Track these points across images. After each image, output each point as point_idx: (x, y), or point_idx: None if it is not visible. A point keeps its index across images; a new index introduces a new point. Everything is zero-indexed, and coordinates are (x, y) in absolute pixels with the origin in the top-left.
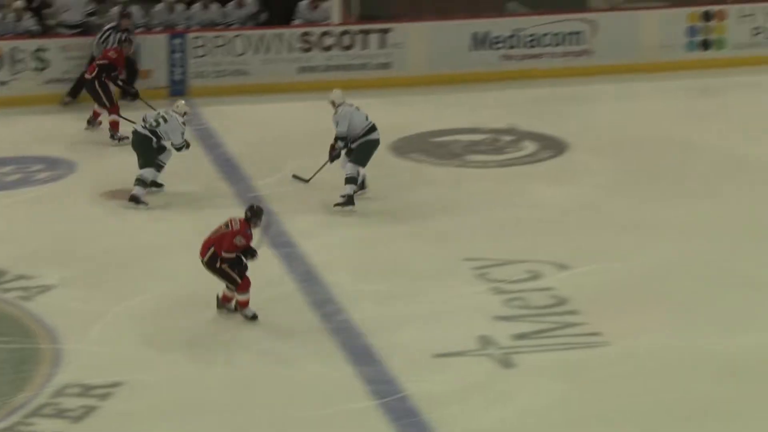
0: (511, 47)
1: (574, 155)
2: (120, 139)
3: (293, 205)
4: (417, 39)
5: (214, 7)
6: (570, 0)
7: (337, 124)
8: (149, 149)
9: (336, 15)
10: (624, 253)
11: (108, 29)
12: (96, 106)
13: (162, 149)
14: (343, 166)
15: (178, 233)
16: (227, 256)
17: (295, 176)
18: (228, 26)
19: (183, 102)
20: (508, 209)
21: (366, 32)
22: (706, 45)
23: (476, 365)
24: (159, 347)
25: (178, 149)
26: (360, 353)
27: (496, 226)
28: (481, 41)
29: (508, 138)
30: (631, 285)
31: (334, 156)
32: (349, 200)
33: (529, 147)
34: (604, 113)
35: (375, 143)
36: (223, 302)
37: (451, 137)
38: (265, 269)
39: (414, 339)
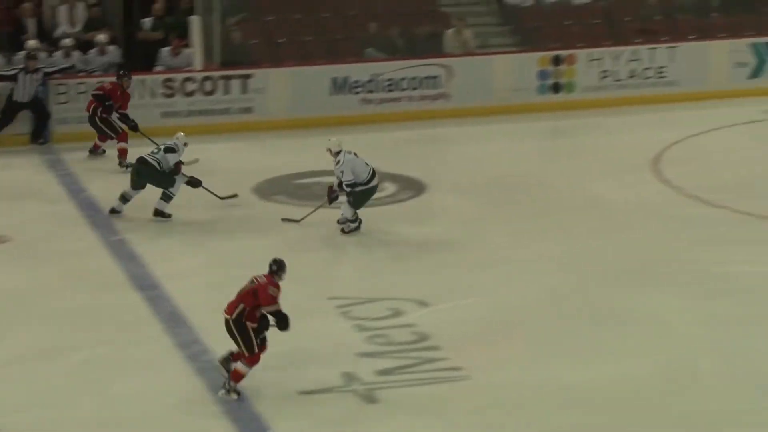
0: (370, 91)
1: (432, 195)
2: (127, 166)
3: (157, 247)
4: (278, 84)
5: (76, 54)
6: (426, 46)
7: (342, 173)
8: (161, 173)
9: (198, 61)
10: (482, 290)
11: (17, 70)
12: (96, 139)
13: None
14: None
15: (42, 279)
16: (269, 309)
17: (284, 219)
18: (90, 73)
19: (182, 134)
20: (369, 248)
21: (228, 78)
22: (556, 88)
23: (341, 401)
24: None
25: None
26: None
27: (359, 265)
28: (340, 86)
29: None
30: (490, 320)
31: (332, 198)
32: (357, 227)
33: (390, 188)
34: (460, 154)
35: (374, 190)
36: (232, 359)
37: (313, 179)
38: (130, 311)
39: (280, 377)
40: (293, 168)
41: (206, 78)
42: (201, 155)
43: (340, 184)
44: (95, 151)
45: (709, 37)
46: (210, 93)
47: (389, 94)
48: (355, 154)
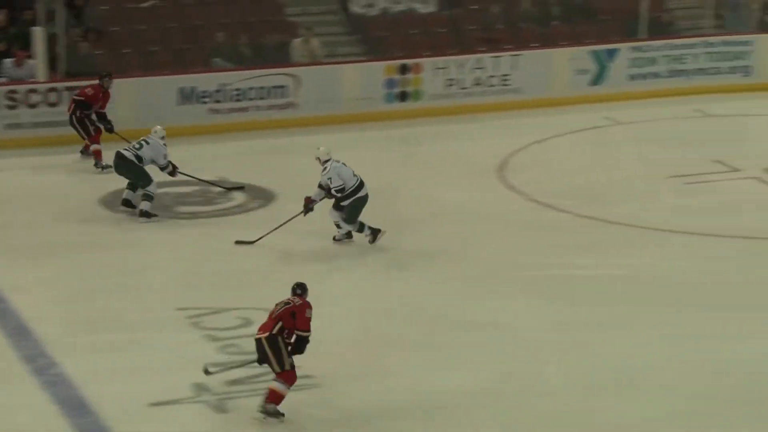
0: (218, 101)
1: (282, 204)
2: (104, 167)
3: (2, 261)
4: (123, 94)
5: None
6: (273, 55)
7: (330, 180)
8: (140, 169)
9: (42, 72)
10: (333, 298)
11: None
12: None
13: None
14: (331, 214)
15: None
16: (303, 333)
17: (238, 242)
18: None
19: (160, 127)
20: (219, 258)
21: (72, 89)
22: (403, 97)
23: (191, 412)
24: None
25: (163, 169)
26: (73, 405)
27: (208, 275)
28: (187, 96)
29: (217, 189)
30: (342, 329)
31: (308, 209)
32: (347, 236)
33: (238, 198)
34: (309, 164)
35: (364, 199)
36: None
37: (160, 190)
38: None
39: (128, 389)
40: None
41: (51, 89)
42: (43, 167)
43: (329, 191)
44: (86, 152)
45: (550, 45)
46: (54, 105)
47: (237, 104)
48: (343, 164)
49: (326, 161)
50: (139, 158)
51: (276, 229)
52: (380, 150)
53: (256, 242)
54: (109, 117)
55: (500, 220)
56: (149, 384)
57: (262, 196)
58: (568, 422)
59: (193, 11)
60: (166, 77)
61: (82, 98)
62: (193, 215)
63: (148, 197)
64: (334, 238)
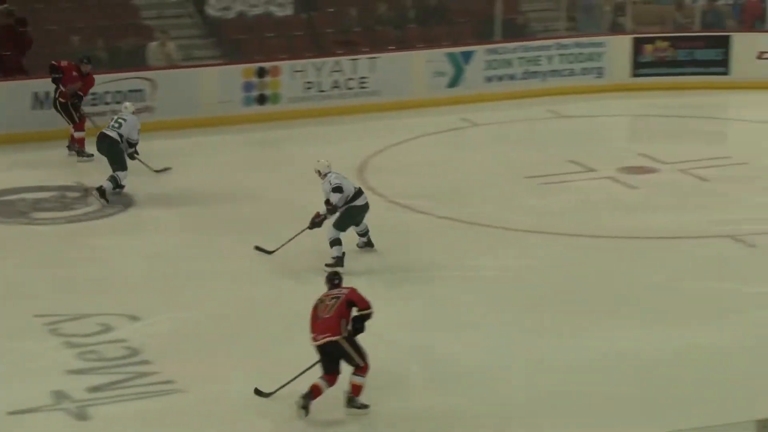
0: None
1: (141, 209)
2: (87, 155)
3: None
4: None
5: None
6: (128, 59)
7: (333, 189)
8: (120, 152)
9: None
10: (192, 303)
11: None
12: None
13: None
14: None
15: None
16: (367, 311)
17: (257, 248)
18: None
19: (129, 103)
20: (77, 264)
21: None
22: (262, 100)
23: (51, 420)
24: None
25: (132, 146)
26: None
27: (67, 281)
28: (42, 101)
29: (74, 195)
30: (199, 332)
31: (315, 223)
32: (338, 261)
33: (97, 203)
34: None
35: (361, 208)
36: (312, 395)
37: (16, 196)
38: None
39: None
40: None
41: None
42: None
43: (327, 202)
44: (73, 146)
45: (407, 47)
46: None
47: (94, 108)
48: (344, 176)
49: (326, 174)
50: (121, 136)
51: (290, 240)
52: (239, 153)
53: (274, 252)
54: None
55: None
56: (7, 392)
57: (121, 202)
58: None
59: (48, 16)
60: (20, 82)
61: (54, 64)
62: (51, 221)
63: (115, 180)
64: (325, 265)
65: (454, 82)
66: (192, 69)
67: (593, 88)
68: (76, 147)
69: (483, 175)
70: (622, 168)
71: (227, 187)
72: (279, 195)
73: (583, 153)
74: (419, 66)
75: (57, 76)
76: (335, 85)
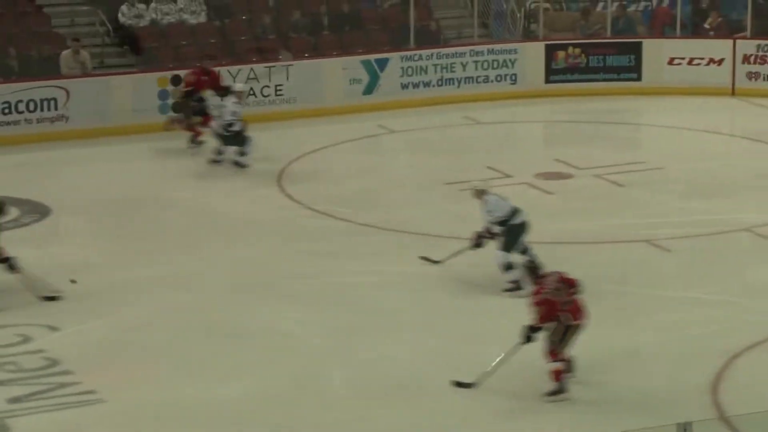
0: None
1: (57, 218)
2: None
3: None
4: None
5: None
6: (42, 67)
7: (489, 213)
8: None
9: None
10: (109, 311)
11: None
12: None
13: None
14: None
15: None
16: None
17: (423, 258)
18: None
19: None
20: None
21: None
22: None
23: None
24: None
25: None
26: None
27: None
28: None
29: None
30: (118, 341)
31: (476, 243)
32: (516, 285)
33: (13, 212)
34: (82, 176)
35: (520, 227)
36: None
37: None
38: None
39: None
40: None
41: None
42: None
43: (487, 232)
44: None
45: (322, 54)
46: None
47: (6, 117)
48: (500, 196)
49: (484, 195)
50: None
51: (456, 254)
52: (154, 161)
53: (442, 262)
54: None
55: (277, 228)
56: None
57: (37, 211)
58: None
59: None
60: None
61: (188, 88)
62: None
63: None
64: (503, 290)
65: (369, 89)
66: (105, 77)
67: (508, 95)
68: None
69: (402, 182)
70: (539, 174)
71: (143, 195)
72: (194, 203)
73: (499, 159)
74: (335, 73)
75: (188, 90)
76: (250, 93)
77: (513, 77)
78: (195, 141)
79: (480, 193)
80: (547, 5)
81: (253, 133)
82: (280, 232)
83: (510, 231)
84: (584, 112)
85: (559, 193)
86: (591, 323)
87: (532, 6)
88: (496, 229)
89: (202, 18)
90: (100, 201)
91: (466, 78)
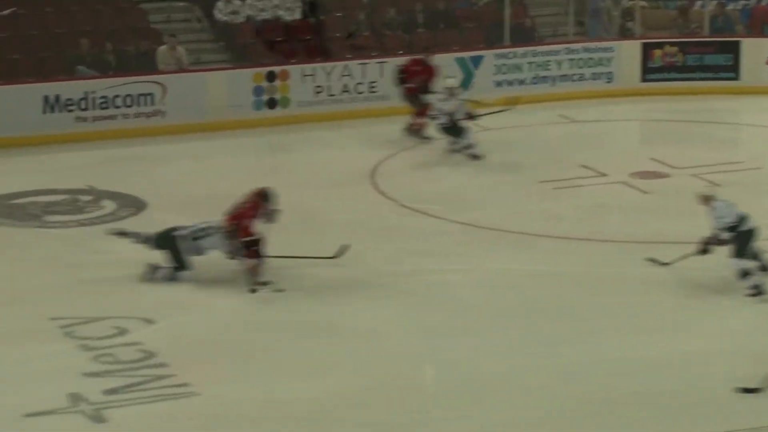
0: (84, 109)
1: (152, 213)
2: (422, 137)
3: None
4: None
5: None
6: (139, 62)
7: (717, 220)
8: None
9: None
10: (203, 305)
11: None
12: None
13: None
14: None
15: None
16: None
17: (650, 259)
18: None
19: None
20: (91, 267)
21: None
22: (272, 103)
23: (68, 422)
24: None
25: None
26: None
27: (81, 284)
28: (52, 104)
29: (86, 198)
30: (212, 335)
31: (703, 249)
32: (758, 290)
33: (109, 206)
34: (178, 171)
35: (749, 232)
36: None
37: (28, 199)
38: None
39: (2, 400)
40: (7, 189)
41: None
42: None
43: (714, 239)
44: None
45: (415, 52)
46: None
47: (103, 112)
48: (729, 203)
49: (712, 201)
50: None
51: (684, 257)
52: (249, 157)
53: (670, 264)
54: None
55: (371, 225)
56: (24, 395)
57: (133, 205)
58: (438, 429)
59: (56, 19)
60: (29, 85)
61: (401, 67)
62: (63, 224)
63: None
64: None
65: (464, 87)
66: (201, 73)
67: (603, 93)
68: (415, 132)
69: (494, 180)
70: (634, 173)
71: (237, 190)
72: (289, 199)
73: (594, 157)
74: None
75: (401, 76)
76: (345, 90)
77: (609, 76)
78: (412, 132)
79: (707, 199)
80: (644, 3)
81: (347, 130)
82: (375, 229)
83: (740, 237)
84: (681, 111)
85: (655, 192)
86: (681, 327)
87: (629, 4)
88: (725, 235)
89: (297, 14)
90: (195, 196)
91: (561, 76)
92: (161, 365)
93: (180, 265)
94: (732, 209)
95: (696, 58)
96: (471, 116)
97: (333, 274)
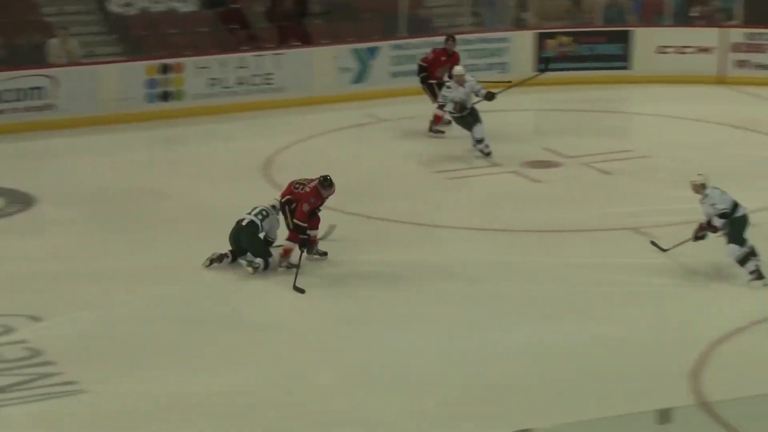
0: None
1: (42, 208)
2: (436, 131)
3: None
4: None
5: None
6: (29, 56)
7: (712, 206)
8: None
9: None
10: (95, 302)
11: None
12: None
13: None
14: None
15: None
16: None
17: (653, 243)
18: None
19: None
20: None
21: None
22: (165, 96)
23: None
24: None
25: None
26: None
27: None
28: None
29: None
30: (104, 332)
31: (698, 236)
32: (757, 275)
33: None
34: (69, 166)
35: (742, 219)
36: None
37: None
38: None
39: None
40: None
41: None
42: None
43: (708, 223)
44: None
45: (312, 43)
46: None
47: None
48: (722, 191)
49: (704, 187)
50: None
51: (679, 245)
52: (142, 151)
53: (669, 250)
54: None
55: None
56: None
57: (22, 201)
58: (341, 421)
59: None
60: None
61: (422, 63)
62: None
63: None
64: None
65: (359, 78)
66: (94, 66)
67: (498, 84)
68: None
69: (390, 171)
70: (527, 162)
71: (131, 185)
72: (184, 192)
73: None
74: (324, 62)
75: (423, 75)
76: (240, 82)
77: (503, 66)
78: (433, 127)
79: (700, 187)
80: None
81: (243, 122)
82: None
83: (734, 224)
84: (573, 101)
85: (547, 181)
86: (576, 311)
87: None
88: (718, 222)
89: (193, 6)
90: (86, 191)
91: None
92: (48, 363)
93: (262, 252)
94: (725, 197)
95: (589, 48)
96: (489, 97)
97: (230, 267)
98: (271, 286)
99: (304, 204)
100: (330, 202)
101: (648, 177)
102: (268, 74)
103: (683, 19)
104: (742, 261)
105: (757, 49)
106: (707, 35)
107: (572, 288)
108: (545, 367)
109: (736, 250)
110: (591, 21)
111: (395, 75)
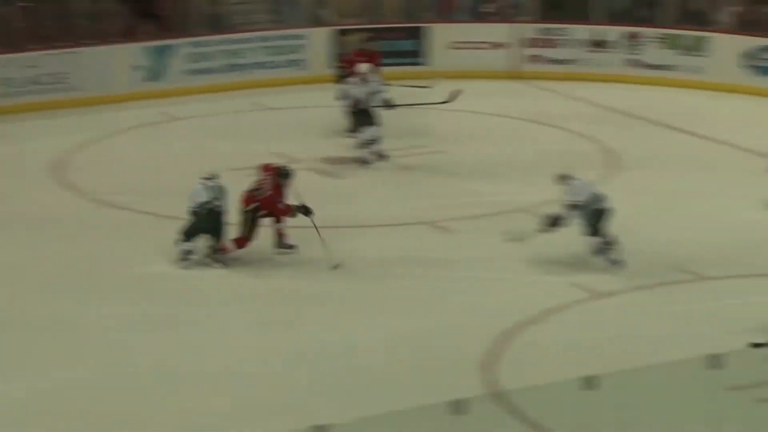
0: None
1: None
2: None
3: None
4: None
5: None
6: None
7: (570, 196)
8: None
9: None
10: None
11: None
12: None
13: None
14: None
15: None
16: None
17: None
18: None
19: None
20: None
21: None
22: None
23: None
24: None
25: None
26: None
27: None
28: None
29: None
30: None
31: (552, 224)
32: (616, 264)
33: None
34: None
35: (599, 212)
36: None
37: None
38: None
39: None
40: None
41: None
42: None
43: (561, 213)
44: None
45: (106, 41)
46: None
47: None
48: (583, 182)
49: (568, 180)
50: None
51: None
52: None
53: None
54: None
55: (61, 220)
56: None
57: None
58: (142, 421)
59: None
60: None
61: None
62: None
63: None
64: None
65: (153, 76)
66: None
67: (296, 80)
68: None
69: (185, 169)
70: (327, 158)
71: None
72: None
73: (287, 144)
74: (119, 60)
75: (344, 75)
76: (30, 81)
77: (301, 63)
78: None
79: (563, 178)
80: None
81: (33, 122)
82: (65, 224)
83: (590, 215)
84: None
85: (346, 177)
86: (374, 306)
87: None
88: (574, 213)
89: None
90: None
91: (254, 64)
92: None
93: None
94: (586, 188)
95: (387, 44)
96: (388, 105)
97: (32, 270)
98: (73, 290)
99: (278, 205)
100: (122, 200)
101: (443, 171)
102: (60, 73)
103: (477, 15)
104: (597, 252)
105: (549, 44)
106: (500, 31)
107: (369, 283)
108: (343, 363)
109: (591, 241)
110: (388, 17)
111: (191, 73)
